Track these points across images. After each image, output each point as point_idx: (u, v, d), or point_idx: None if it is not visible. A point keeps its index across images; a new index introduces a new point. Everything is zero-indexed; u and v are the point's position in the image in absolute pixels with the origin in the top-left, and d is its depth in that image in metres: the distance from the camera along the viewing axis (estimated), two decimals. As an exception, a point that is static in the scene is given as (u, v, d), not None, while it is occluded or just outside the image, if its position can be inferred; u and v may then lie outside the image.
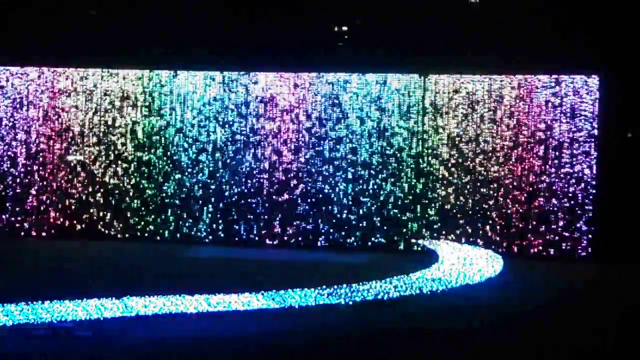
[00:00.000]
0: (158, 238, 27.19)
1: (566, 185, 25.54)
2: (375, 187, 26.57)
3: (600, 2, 24.65)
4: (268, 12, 26.08)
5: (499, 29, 24.99)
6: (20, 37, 26.69)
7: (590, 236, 25.41)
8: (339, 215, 26.70)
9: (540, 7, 24.88)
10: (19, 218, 27.64)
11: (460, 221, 26.09)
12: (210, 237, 27.13)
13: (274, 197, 26.96)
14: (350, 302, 18.86)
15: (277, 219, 26.95)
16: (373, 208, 26.55)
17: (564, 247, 25.55)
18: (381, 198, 26.50)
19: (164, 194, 27.27)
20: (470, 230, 25.99)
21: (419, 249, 25.91)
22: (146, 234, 27.28)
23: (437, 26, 25.23)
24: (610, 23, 24.55)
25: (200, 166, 27.19)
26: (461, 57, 25.44)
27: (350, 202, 26.70)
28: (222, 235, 27.14)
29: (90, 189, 27.42)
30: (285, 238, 26.90)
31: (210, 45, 26.32)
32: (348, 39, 26.85)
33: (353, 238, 26.62)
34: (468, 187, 26.12)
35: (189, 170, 27.23)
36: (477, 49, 25.18)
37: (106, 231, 27.33)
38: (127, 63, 27.07)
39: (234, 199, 27.10)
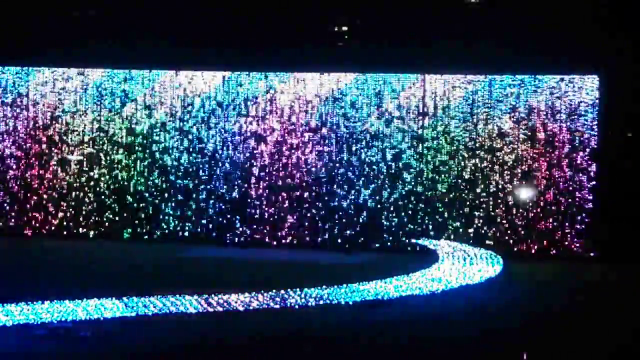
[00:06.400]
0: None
1: (567, 185, 25.57)
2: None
3: (600, 2, 24.64)
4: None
5: (498, 29, 24.98)
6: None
7: (591, 236, 25.41)
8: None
9: (539, 7, 24.87)
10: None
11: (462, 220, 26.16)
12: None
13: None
14: (350, 302, 18.89)
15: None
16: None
17: (564, 247, 25.54)
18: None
19: None
20: (471, 230, 26.02)
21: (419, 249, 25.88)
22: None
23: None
24: (610, 23, 24.58)
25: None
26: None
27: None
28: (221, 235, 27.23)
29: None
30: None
31: (211, 44, 26.25)
32: (348, 39, 26.82)
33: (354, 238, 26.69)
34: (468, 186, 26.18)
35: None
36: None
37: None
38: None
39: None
